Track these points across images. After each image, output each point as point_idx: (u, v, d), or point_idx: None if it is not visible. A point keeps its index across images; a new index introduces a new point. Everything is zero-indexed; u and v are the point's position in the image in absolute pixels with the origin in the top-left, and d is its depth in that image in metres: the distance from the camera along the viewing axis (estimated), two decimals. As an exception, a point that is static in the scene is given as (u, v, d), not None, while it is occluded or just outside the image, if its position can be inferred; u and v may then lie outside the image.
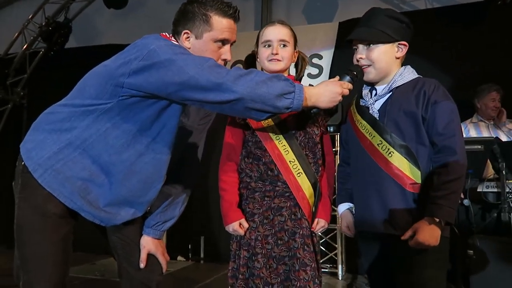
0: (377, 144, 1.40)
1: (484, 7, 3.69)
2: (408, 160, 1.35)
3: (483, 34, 3.66)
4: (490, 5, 3.62)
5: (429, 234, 1.26)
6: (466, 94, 3.27)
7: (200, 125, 1.51)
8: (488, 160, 2.69)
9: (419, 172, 1.34)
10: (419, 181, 1.34)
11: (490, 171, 2.82)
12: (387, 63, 1.43)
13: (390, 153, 1.37)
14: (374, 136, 1.41)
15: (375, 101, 1.45)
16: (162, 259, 1.43)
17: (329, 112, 1.57)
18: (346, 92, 1.31)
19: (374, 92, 1.48)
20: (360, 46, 1.45)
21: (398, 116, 1.38)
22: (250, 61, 1.70)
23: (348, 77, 1.37)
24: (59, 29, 4.81)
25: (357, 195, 1.51)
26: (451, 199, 1.27)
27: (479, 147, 2.47)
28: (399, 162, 1.36)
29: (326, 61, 4.16)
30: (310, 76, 4.13)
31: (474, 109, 3.27)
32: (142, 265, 1.39)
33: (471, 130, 3.18)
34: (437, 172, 1.31)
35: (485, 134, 3.15)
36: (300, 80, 1.71)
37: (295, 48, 1.62)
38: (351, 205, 1.56)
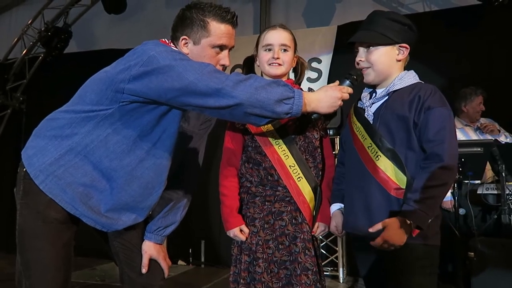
0: (367, 147, 1.40)
1: (481, 9, 3.71)
2: (394, 165, 1.34)
3: (480, 36, 3.68)
4: (486, 8, 3.64)
5: (395, 233, 1.24)
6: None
7: (201, 130, 1.51)
8: (488, 163, 2.70)
9: (405, 178, 1.32)
10: (403, 186, 1.32)
11: (489, 175, 2.83)
12: (386, 65, 1.42)
13: (377, 156, 1.37)
14: (365, 139, 1.41)
15: (372, 103, 1.46)
16: (164, 264, 1.43)
17: (328, 115, 1.58)
18: (346, 96, 1.31)
19: (374, 94, 1.48)
20: (361, 49, 1.45)
21: (391, 120, 1.37)
22: (249, 64, 1.70)
23: (348, 81, 1.37)
24: (58, 34, 4.83)
25: (346, 196, 1.51)
26: (427, 204, 1.24)
27: (479, 149, 2.48)
28: (385, 166, 1.35)
29: (325, 65, 4.17)
30: (309, 80, 4.14)
31: (455, 113, 3.20)
32: (144, 270, 1.39)
33: (460, 138, 3.14)
34: (420, 177, 1.28)
35: (475, 138, 3.12)
36: (299, 85, 1.71)
37: (295, 53, 1.63)
38: (342, 205, 1.56)
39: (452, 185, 2.53)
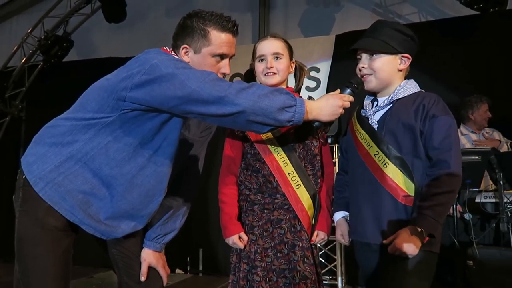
0: (374, 155, 1.41)
1: (477, 19, 3.76)
2: (402, 172, 1.35)
3: (477, 45, 3.72)
4: (483, 16, 3.69)
5: (407, 242, 1.25)
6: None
7: (201, 138, 1.51)
8: (486, 172, 2.71)
9: (413, 185, 1.34)
10: (412, 194, 1.34)
11: (483, 185, 2.84)
12: (388, 74, 1.44)
13: (385, 164, 1.38)
14: (371, 147, 1.42)
15: (375, 112, 1.47)
16: (163, 272, 1.43)
17: (328, 123, 1.58)
18: (347, 104, 1.32)
19: (375, 103, 1.49)
20: (363, 56, 1.46)
21: (396, 128, 1.39)
22: (250, 76, 1.71)
23: (348, 90, 1.37)
24: (59, 42, 4.85)
25: (352, 204, 1.51)
26: (437, 211, 1.26)
27: (476, 157, 2.49)
28: (394, 173, 1.36)
29: (323, 74, 4.20)
30: (308, 89, 4.16)
31: (461, 120, 3.29)
32: (142, 278, 1.38)
33: (465, 144, 3.19)
34: (428, 184, 1.31)
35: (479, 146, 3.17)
36: (299, 91, 1.73)
37: (291, 59, 1.64)
38: (347, 213, 1.56)
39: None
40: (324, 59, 4.21)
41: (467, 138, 3.21)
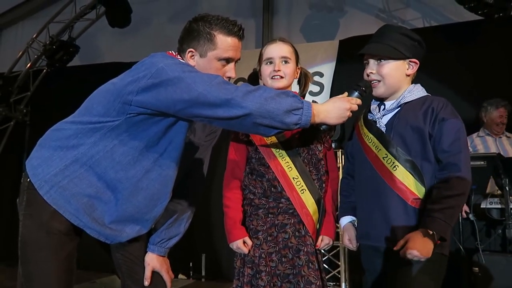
0: (383, 158, 1.40)
1: (481, 24, 3.76)
2: (413, 175, 1.35)
3: (482, 50, 3.72)
4: (487, 22, 3.69)
5: (419, 245, 1.24)
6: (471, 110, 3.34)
7: (206, 142, 1.51)
8: (491, 177, 2.69)
9: (424, 188, 1.34)
10: (422, 196, 1.34)
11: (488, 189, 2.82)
12: (397, 79, 1.44)
13: (394, 166, 1.37)
14: (380, 150, 1.41)
15: (383, 115, 1.46)
16: (167, 276, 1.42)
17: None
18: (355, 107, 1.31)
19: (382, 107, 1.49)
20: (371, 61, 1.46)
21: (405, 131, 1.39)
22: (254, 80, 1.71)
23: (356, 93, 1.37)
24: (64, 47, 4.88)
25: (360, 208, 1.50)
26: (447, 213, 1.26)
27: (482, 163, 2.48)
28: (403, 176, 1.36)
29: (327, 79, 4.20)
30: (312, 93, 4.16)
31: (480, 123, 3.31)
32: (146, 283, 1.37)
33: (478, 145, 3.21)
34: (438, 187, 1.31)
35: (493, 149, 3.15)
36: (304, 97, 1.72)
37: (297, 65, 1.64)
38: (354, 218, 1.55)
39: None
40: (328, 64, 4.21)
41: (482, 140, 3.23)
